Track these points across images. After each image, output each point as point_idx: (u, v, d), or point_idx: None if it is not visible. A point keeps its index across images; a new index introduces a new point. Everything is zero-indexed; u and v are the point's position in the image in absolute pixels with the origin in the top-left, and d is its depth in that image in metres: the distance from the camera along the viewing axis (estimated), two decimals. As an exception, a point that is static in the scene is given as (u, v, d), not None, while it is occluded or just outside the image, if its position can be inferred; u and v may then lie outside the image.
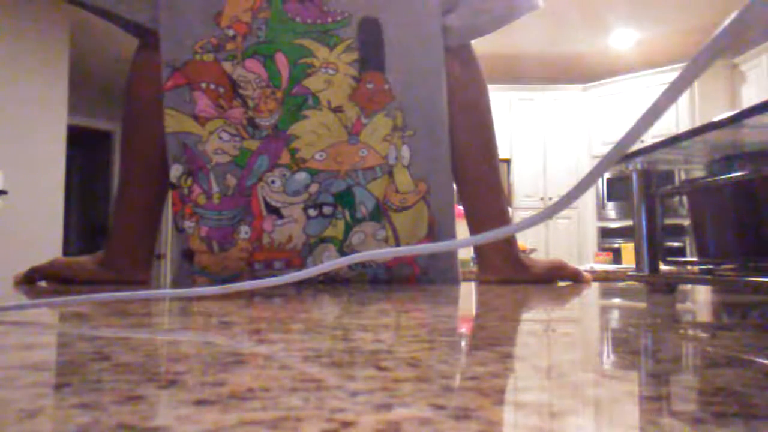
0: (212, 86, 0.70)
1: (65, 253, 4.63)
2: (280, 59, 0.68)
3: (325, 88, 0.69)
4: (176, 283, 0.78)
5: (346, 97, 0.69)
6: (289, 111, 0.69)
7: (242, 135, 0.70)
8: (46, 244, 3.71)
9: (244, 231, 0.70)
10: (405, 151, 0.73)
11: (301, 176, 0.69)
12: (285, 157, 0.69)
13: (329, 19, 0.69)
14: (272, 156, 0.69)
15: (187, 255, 0.74)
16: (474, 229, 0.80)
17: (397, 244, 0.73)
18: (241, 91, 0.69)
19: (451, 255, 0.80)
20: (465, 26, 0.77)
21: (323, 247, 0.71)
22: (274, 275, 0.71)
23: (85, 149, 6.50)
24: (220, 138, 0.70)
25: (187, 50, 0.70)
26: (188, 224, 0.73)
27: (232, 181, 0.70)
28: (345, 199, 0.70)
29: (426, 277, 0.76)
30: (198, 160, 0.72)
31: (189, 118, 0.71)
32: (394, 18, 0.71)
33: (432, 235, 0.75)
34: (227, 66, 0.69)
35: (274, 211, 0.70)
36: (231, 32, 0.69)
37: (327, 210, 0.70)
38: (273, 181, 0.69)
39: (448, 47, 0.78)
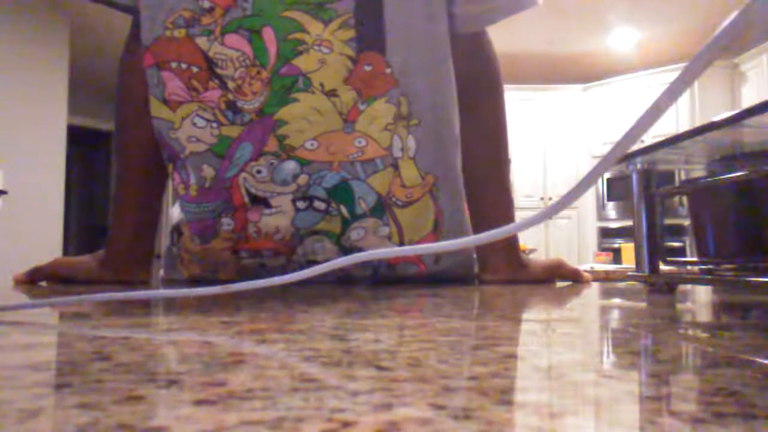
0: (184, 66, 0.63)
1: (65, 253, 4.63)
2: (268, 34, 0.62)
3: (318, 69, 0.62)
4: (166, 264, 0.77)
5: (341, 79, 0.63)
6: (276, 93, 0.62)
7: (220, 120, 0.64)
8: (46, 244, 3.71)
9: (227, 223, 0.66)
10: (410, 142, 0.67)
11: (290, 165, 0.63)
12: (272, 145, 0.63)
13: None
14: (257, 143, 0.63)
15: (176, 232, 0.73)
16: (477, 229, 0.77)
17: (401, 241, 0.69)
18: (218, 71, 0.62)
19: (463, 252, 0.76)
20: (464, 15, 0.73)
21: (315, 238, 0.67)
22: (263, 264, 0.70)
23: (85, 149, 6.50)
24: (194, 124, 0.64)
25: (158, 26, 0.64)
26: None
27: (209, 172, 0.65)
28: (340, 194, 0.65)
29: (434, 275, 0.74)
30: (171, 149, 0.67)
31: (160, 102, 0.66)
32: None
33: (438, 231, 0.71)
34: (202, 42, 0.62)
35: (261, 201, 0.65)
36: (207, 4, 0.62)
37: (319, 205, 0.65)
38: (258, 171, 0.64)
39: (453, 36, 0.72)
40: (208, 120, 0.64)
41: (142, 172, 0.76)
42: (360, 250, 0.69)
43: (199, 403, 0.13)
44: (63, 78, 3.90)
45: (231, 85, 0.63)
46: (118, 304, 0.37)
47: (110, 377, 0.15)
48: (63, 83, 3.90)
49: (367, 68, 0.64)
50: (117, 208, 0.77)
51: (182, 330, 0.26)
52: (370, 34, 0.63)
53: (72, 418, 0.11)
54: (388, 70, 0.65)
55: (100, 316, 0.30)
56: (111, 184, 6.37)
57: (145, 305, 0.37)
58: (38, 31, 3.78)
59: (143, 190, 0.77)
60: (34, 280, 0.71)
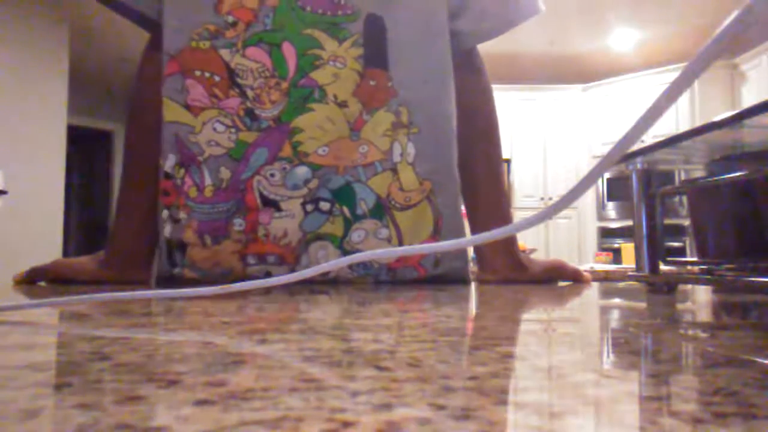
0: (207, 74, 0.68)
1: (65, 253, 4.63)
2: (288, 49, 0.67)
3: (332, 82, 0.68)
4: (161, 279, 0.77)
5: (350, 92, 0.69)
6: (294, 103, 0.67)
7: (239, 126, 0.68)
8: (46, 244, 3.71)
9: (239, 224, 0.69)
10: (410, 149, 0.72)
11: (302, 170, 0.68)
12: (286, 150, 0.68)
13: (339, 12, 0.68)
14: (273, 148, 0.68)
15: (180, 247, 0.74)
16: (475, 229, 0.80)
17: (401, 245, 0.72)
18: (239, 81, 0.68)
19: (461, 258, 0.78)
20: (473, 31, 0.79)
21: (319, 245, 0.69)
22: (269, 273, 0.71)
23: (85, 149, 6.50)
24: (214, 129, 0.69)
25: (184, 37, 0.69)
26: (183, 215, 0.72)
27: (226, 174, 0.69)
28: (343, 195, 0.69)
29: (433, 279, 0.76)
30: (189, 152, 0.70)
31: (181, 107, 0.70)
32: (400, 17, 0.71)
33: (438, 236, 0.74)
34: (225, 54, 0.68)
35: (272, 204, 0.68)
36: (231, 19, 0.68)
37: (324, 206, 0.69)
38: (272, 174, 0.68)
39: (457, 52, 0.78)
40: (227, 126, 0.69)
41: (147, 172, 0.78)
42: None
43: (199, 403, 0.13)
44: (63, 78, 3.90)
45: (250, 94, 0.68)
46: (118, 304, 0.37)
47: (110, 377, 0.15)
48: (63, 83, 3.90)
49: (372, 83, 0.70)
50: (120, 208, 0.78)
51: (182, 330, 0.26)
52: (374, 53, 0.70)
53: (72, 418, 0.12)
54: (390, 84, 0.70)
55: (100, 316, 0.30)
56: (111, 184, 6.37)
57: (145, 305, 0.37)
58: (38, 31, 3.78)
59: (147, 191, 0.78)
60: (33, 280, 0.71)
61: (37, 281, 0.71)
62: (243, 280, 0.71)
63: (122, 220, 0.78)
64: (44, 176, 3.78)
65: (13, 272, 0.72)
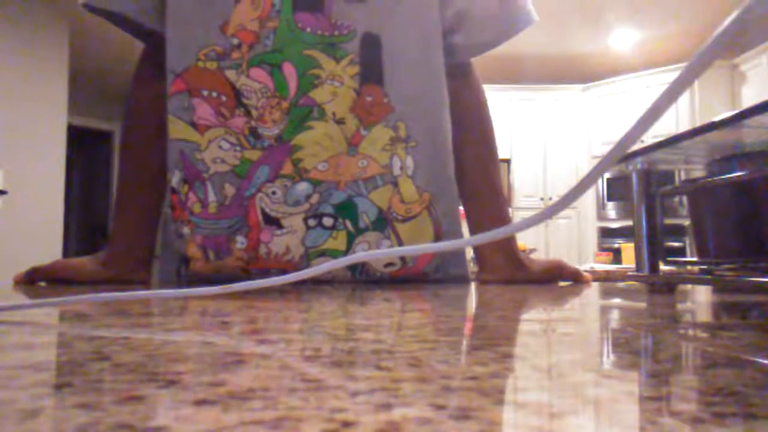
0: (214, 94, 0.70)
1: (65, 253, 4.63)
2: (288, 69, 0.69)
3: (331, 100, 0.69)
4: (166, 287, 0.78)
5: (348, 109, 0.70)
6: (294, 121, 0.69)
7: (243, 145, 0.69)
8: (46, 244, 3.71)
9: (240, 241, 0.70)
10: (409, 162, 0.73)
11: (302, 186, 0.69)
12: (287, 168, 0.69)
13: (336, 32, 0.69)
14: (274, 166, 0.69)
15: (184, 260, 0.75)
16: (474, 230, 0.81)
17: (403, 256, 0.73)
18: (244, 101, 0.69)
19: (461, 265, 0.80)
20: (471, 44, 0.81)
21: (321, 261, 0.70)
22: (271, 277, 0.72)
23: (85, 149, 6.50)
24: (220, 147, 0.70)
25: (191, 57, 0.70)
26: (186, 230, 0.73)
27: (230, 190, 0.70)
28: (346, 210, 0.70)
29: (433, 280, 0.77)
30: (194, 169, 0.72)
31: (187, 125, 0.71)
32: (396, 34, 0.72)
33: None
34: (231, 75, 0.69)
35: (273, 222, 0.69)
36: (236, 41, 0.69)
37: (327, 221, 0.70)
38: (273, 192, 0.69)
39: (455, 63, 0.80)
40: (232, 144, 0.70)
41: (144, 174, 0.79)
42: (365, 267, 0.73)
43: (199, 403, 0.13)
44: (63, 78, 3.90)
45: (254, 113, 0.69)
46: (118, 304, 0.37)
47: (110, 377, 0.15)
48: (63, 83, 3.90)
49: (369, 98, 0.71)
50: (119, 209, 0.79)
51: (182, 330, 0.26)
52: (370, 69, 0.71)
53: (72, 418, 0.12)
54: (386, 99, 0.72)
55: (100, 316, 0.30)
56: (111, 185, 6.37)
57: (145, 305, 0.37)
58: (38, 31, 3.78)
59: (146, 192, 0.79)
60: (33, 280, 0.71)
61: (37, 281, 0.71)
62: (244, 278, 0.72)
63: (121, 220, 0.79)
64: (44, 176, 3.78)
65: (13, 272, 0.72)
